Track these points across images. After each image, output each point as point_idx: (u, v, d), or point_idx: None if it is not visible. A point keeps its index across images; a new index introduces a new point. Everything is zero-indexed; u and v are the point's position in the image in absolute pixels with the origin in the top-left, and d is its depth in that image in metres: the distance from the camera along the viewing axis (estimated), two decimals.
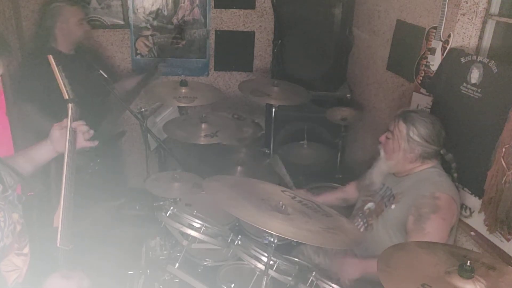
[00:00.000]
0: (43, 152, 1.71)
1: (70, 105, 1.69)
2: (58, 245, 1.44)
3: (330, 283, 1.83)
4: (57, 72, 1.68)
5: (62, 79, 1.69)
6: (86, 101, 1.81)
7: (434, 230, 1.90)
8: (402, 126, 2.04)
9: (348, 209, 2.42)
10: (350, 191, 2.53)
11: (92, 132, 1.74)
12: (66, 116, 1.69)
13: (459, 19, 2.24)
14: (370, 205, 2.21)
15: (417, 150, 2.03)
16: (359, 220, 2.21)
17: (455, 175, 2.09)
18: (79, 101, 1.72)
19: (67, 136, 1.63)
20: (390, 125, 2.11)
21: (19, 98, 2.76)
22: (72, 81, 1.73)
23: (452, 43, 2.27)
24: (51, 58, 1.68)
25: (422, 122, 2.02)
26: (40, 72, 2.62)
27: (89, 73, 2.87)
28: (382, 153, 2.16)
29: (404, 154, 2.05)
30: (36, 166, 1.71)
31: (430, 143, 2.02)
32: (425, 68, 2.48)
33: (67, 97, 1.70)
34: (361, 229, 2.18)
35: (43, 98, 2.67)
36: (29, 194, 1.53)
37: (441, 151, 2.07)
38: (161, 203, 2.14)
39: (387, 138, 2.12)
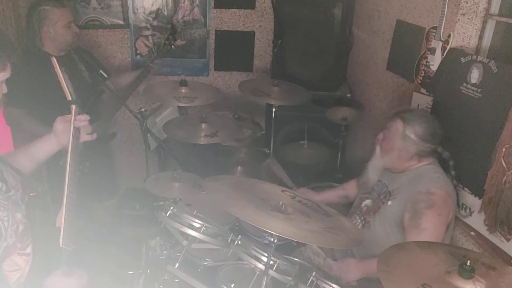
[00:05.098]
0: (46, 147, 1.71)
1: (73, 106, 1.70)
2: (60, 245, 1.45)
3: (330, 283, 1.83)
4: (60, 73, 1.69)
5: (65, 81, 1.70)
6: (76, 103, 1.80)
7: (430, 225, 1.92)
8: (399, 124, 2.06)
9: (347, 208, 2.42)
10: (350, 188, 2.54)
11: (91, 127, 1.76)
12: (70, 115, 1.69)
13: (459, 19, 2.24)
14: (367, 202, 2.22)
15: (412, 148, 2.05)
16: (357, 217, 2.23)
17: (453, 173, 2.10)
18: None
19: (71, 136, 1.64)
20: (387, 123, 2.13)
21: (8, 102, 2.72)
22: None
23: (452, 43, 2.27)
24: (54, 60, 1.68)
25: (418, 121, 2.04)
26: (29, 75, 2.58)
27: (82, 74, 2.86)
28: (378, 150, 2.19)
29: (399, 152, 2.08)
30: (37, 162, 1.71)
31: (426, 142, 2.04)
32: (425, 68, 2.48)
33: (70, 99, 1.71)
34: (359, 227, 2.19)
35: (32, 102, 2.62)
36: (31, 194, 1.53)
37: (438, 149, 2.08)
38: (161, 203, 2.14)
39: (384, 136, 2.15)
